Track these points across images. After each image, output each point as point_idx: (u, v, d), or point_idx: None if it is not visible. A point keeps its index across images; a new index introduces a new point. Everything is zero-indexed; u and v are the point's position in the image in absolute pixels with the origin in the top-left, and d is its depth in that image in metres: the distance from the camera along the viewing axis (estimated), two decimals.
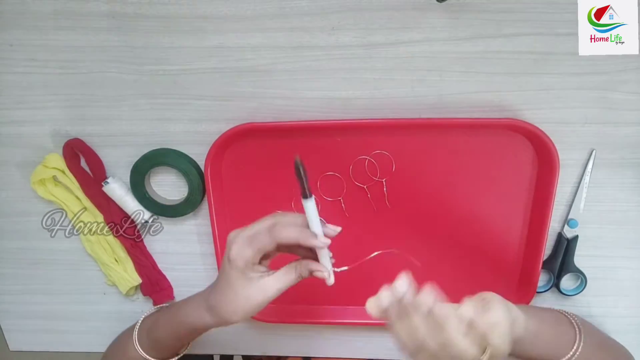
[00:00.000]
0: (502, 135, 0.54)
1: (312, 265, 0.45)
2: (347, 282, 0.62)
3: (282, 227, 0.43)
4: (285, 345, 0.68)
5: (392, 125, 0.54)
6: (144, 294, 0.66)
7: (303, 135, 0.56)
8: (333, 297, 0.63)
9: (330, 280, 0.45)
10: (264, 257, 0.46)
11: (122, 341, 0.59)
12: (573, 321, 0.51)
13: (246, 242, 0.44)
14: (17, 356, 0.74)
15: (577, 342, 0.49)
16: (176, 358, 0.57)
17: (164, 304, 0.63)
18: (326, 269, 0.45)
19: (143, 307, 0.68)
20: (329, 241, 0.43)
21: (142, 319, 0.58)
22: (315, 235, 0.43)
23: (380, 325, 0.63)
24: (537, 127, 0.52)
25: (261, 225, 0.44)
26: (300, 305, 0.64)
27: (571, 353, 0.48)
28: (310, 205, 0.42)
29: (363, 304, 0.63)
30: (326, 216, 0.59)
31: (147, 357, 0.54)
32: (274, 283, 0.44)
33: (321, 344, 0.68)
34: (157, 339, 0.54)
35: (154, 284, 0.65)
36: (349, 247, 0.60)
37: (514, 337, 0.42)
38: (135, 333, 0.56)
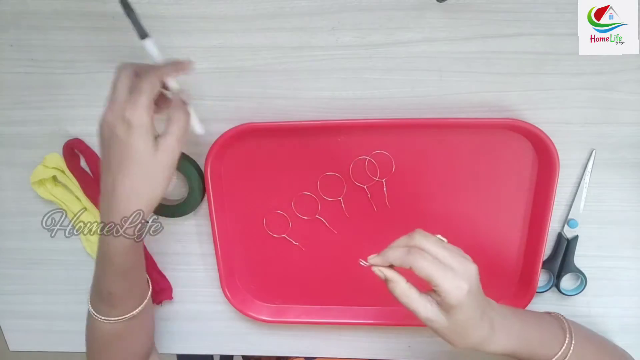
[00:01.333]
0: (502, 135, 0.54)
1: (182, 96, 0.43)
2: (346, 282, 0.62)
3: (150, 69, 0.42)
4: (285, 345, 0.68)
5: (392, 125, 0.54)
6: None
7: (303, 135, 0.56)
8: (333, 297, 0.64)
9: (199, 129, 0.44)
10: None
11: (87, 325, 0.55)
12: (565, 322, 0.51)
13: (133, 95, 0.41)
14: (17, 356, 0.74)
15: (566, 342, 0.48)
16: (142, 305, 0.53)
17: None
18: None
19: None
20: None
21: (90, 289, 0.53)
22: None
23: (381, 325, 0.63)
24: (537, 127, 0.52)
25: (123, 76, 0.42)
26: (300, 305, 0.64)
27: (560, 352, 0.48)
28: (149, 44, 0.43)
29: (362, 304, 0.64)
30: (326, 216, 0.59)
31: (107, 318, 0.51)
32: (170, 132, 0.42)
33: (321, 344, 0.68)
34: (107, 291, 0.50)
35: (153, 284, 0.65)
36: (349, 247, 0.60)
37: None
38: (89, 301, 0.52)
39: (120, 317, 0.52)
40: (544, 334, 0.49)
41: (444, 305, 0.41)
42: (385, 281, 0.42)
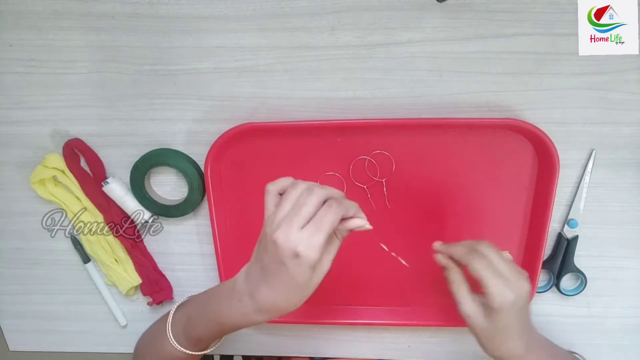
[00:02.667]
0: (502, 136, 0.54)
1: (350, 223, 0.41)
2: (346, 282, 0.62)
3: (339, 202, 0.40)
4: (285, 345, 0.68)
5: (392, 125, 0.54)
6: (144, 294, 0.66)
7: (303, 135, 0.56)
8: (333, 297, 0.63)
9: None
10: None
11: (155, 337, 0.57)
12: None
13: (313, 228, 0.38)
14: (17, 356, 0.74)
15: None
16: (210, 349, 0.55)
17: (186, 298, 0.57)
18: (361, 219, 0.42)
19: (143, 307, 0.68)
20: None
21: (172, 314, 0.54)
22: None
23: (381, 325, 0.63)
24: (537, 127, 0.52)
25: (312, 202, 0.39)
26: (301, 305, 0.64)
27: None
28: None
29: (363, 304, 0.64)
30: None
31: (186, 351, 0.52)
32: (326, 257, 0.41)
33: (321, 344, 0.68)
34: (198, 337, 0.51)
35: (153, 284, 0.65)
36: (349, 247, 0.60)
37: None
38: (169, 329, 0.53)
39: (198, 352, 0.53)
40: None
41: (487, 308, 0.43)
42: (444, 267, 0.46)
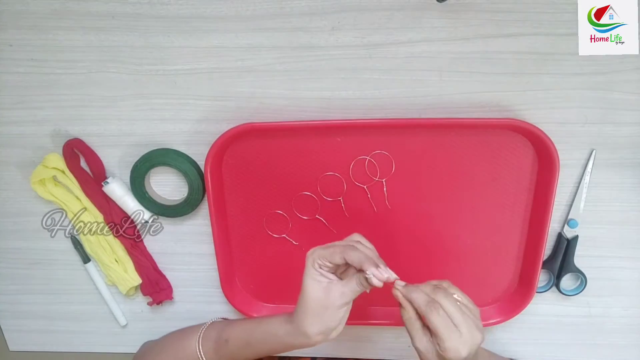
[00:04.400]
0: (502, 135, 0.54)
1: (372, 279, 0.46)
2: None
3: (353, 250, 0.47)
4: None
5: (392, 125, 0.54)
6: (144, 294, 0.66)
7: (303, 135, 0.56)
8: None
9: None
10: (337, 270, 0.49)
11: (180, 338, 0.59)
12: None
13: (320, 250, 0.48)
14: (17, 356, 0.74)
15: None
16: None
17: (219, 319, 0.62)
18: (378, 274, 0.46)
19: (143, 307, 0.68)
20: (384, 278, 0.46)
21: (210, 322, 0.59)
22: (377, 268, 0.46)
23: (381, 325, 0.63)
24: (537, 127, 0.52)
25: (340, 242, 0.49)
26: None
27: None
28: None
29: (362, 303, 0.64)
30: (326, 216, 0.59)
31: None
32: (338, 287, 0.47)
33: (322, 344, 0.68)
34: (226, 339, 0.55)
35: (153, 284, 0.65)
36: None
37: None
38: (201, 334, 0.57)
39: None
40: None
41: (439, 354, 0.46)
42: (399, 304, 0.49)
